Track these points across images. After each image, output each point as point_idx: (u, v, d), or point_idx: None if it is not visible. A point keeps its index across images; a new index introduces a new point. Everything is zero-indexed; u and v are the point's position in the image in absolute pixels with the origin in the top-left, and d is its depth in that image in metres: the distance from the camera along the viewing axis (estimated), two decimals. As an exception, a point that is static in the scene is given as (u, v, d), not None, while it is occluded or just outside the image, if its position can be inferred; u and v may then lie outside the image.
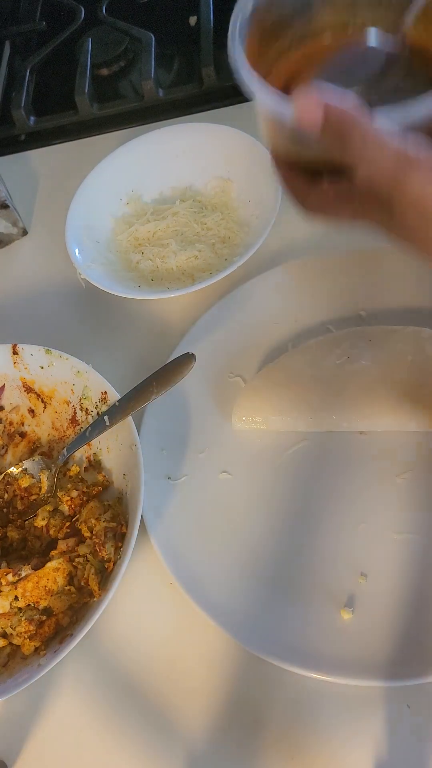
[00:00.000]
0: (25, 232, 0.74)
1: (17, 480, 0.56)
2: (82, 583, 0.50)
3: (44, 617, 0.49)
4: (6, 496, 0.56)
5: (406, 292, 0.58)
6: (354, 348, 0.54)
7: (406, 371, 0.53)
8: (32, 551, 0.53)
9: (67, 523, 0.53)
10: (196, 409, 0.58)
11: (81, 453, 0.57)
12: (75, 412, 0.57)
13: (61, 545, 0.51)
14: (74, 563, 0.50)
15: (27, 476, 0.56)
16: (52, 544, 0.52)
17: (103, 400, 0.55)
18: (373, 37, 0.39)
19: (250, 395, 0.55)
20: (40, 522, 0.53)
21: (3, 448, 0.60)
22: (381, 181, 0.34)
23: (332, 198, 0.39)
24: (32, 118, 0.82)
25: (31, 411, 0.60)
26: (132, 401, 0.53)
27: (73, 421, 0.58)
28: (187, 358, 0.54)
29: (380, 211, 0.36)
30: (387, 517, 0.50)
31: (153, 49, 0.81)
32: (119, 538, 0.50)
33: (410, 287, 0.58)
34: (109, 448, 0.55)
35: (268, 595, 0.49)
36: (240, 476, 0.54)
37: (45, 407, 0.59)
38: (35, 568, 0.50)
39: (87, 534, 0.51)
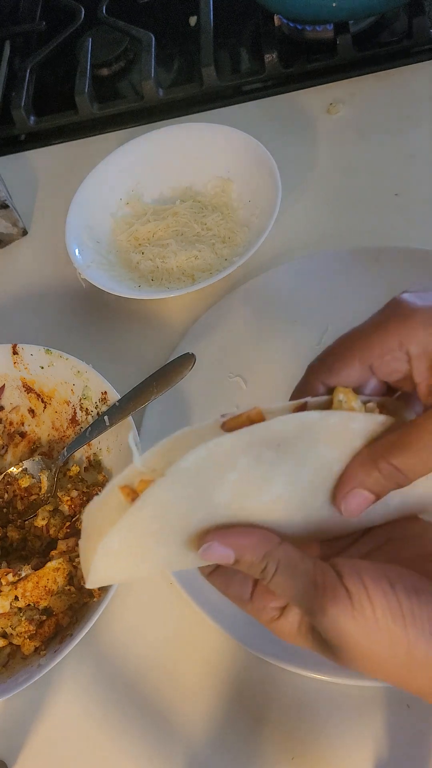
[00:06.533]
0: (24, 232, 0.74)
1: (17, 480, 0.56)
2: (82, 583, 0.49)
3: (44, 617, 0.49)
4: (6, 496, 0.56)
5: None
6: (258, 464, 0.31)
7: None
8: (32, 551, 0.53)
9: (68, 523, 0.53)
10: (196, 409, 0.58)
11: (81, 453, 0.57)
12: (75, 412, 0.57)
13: (61, 545, 0.51)
14: (74, 563, 0.50)
15: (27, 476, 0.56)
16: (52, 544, 0.52)
17: (103, 400, 0.55)
18: None
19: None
20: (40, 522, 0.53)
21: (3, 448, 0.60)
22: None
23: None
24: (32, 118, 0.82)
25: (31, 411, 0.60)
26: (132, 401, 0.53)
27: (73, 421, 0.58)
28: (187, 358, 0.54)
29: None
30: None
31: (153, 49, 0.81)
32: (119, 538, 0.50)
33: (415, 286, 0.58)
34: (109, 448, 0.55)
35: (268, 595, 0.48)
36: (240, 476, 0.54)
37: (45, 407, 0.59)
38: (35, 568, 0.50)
39: (87, 534, 0.51)
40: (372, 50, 0.76)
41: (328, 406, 0.34)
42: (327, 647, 0.32)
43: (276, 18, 0.80)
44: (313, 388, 0.34)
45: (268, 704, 0.46)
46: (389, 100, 0.73)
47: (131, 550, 0.32)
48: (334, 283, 0.60)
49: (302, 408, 0.33)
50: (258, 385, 0.58)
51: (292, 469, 0.32)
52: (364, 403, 0.34)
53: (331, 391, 0.34)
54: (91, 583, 0.32)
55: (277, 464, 0.32)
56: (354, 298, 0.59)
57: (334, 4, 0.70)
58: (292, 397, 0.35)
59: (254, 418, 0.32)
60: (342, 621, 0.30)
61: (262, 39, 0.78)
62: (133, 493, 0.31)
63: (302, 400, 0.33)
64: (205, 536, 0.32)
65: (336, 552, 0.36)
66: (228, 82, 0.79)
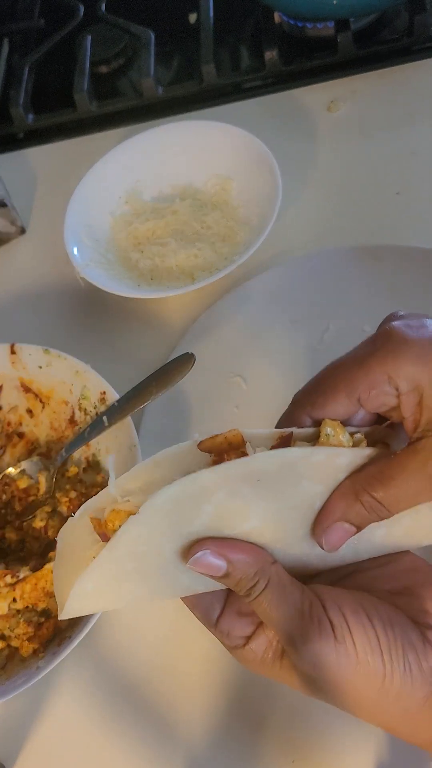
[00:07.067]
0: (23, 231, 0.74)
1: (15, 481, 0.55)
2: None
3: (43, 619, 0.49)
4: (4, 497, 0.55)
5: (413, 291, 0.57)
6: (234, 498, 0.31)
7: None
8: (31, 553, 0.53)
9: (66, 525, 0.53)
10: (196, 409, 0.57)
11: (79, 454, 0.56)
12: (73, 413, 0.57)
13: (60, 547, 0.51)
14: (73, 565, 0.50)
15: (25, 477, 0.55)
16: (51, 545, 0.52)
17: (102, 400, 0.55)
18: None
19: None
20: (38, 523, 0.53)
21: (1, 448, 0.59)
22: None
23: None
24: (31, 116, 0.82)
25: (30, 411, 0.59)
26: (131, 401, 0.52)
27: (72, 421, 0.57)
28: (187, 358, 0.54)
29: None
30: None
31: (152, 47, 0.80)
32: (118, 539, 0.50)
33: (416, 285, 0.58)
34: (108, 448, 0.55)
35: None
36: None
37: (43, 407, 0.59)
38: (34, 570, 0.49)
39: (86, 535, 0.51)
40: (373, 48, 0.76)
41: (314, 437, 0.33)
42: (294, 676, 0.32)
43: (276, 15, 0.79)
44: (299, 420, 0.34)
45: (269, 706, 0.46)
46: (390, 98, 0.72)
47: (105, 587, 0.31)
48: (334, 281, 0.60)
49: (287, 438, 0.32)
50: (258, 385, 0.58)
51: (270, 504, 0.32)
52: (351, 434, 0.33)
53: (317, 423, 0.33)
54: (65, 615, 0.31)
55: (253, 499, 0.31)
56: (355, 297, 0.59)
57: (334, 2, 0.70)
58: (277, 427, 0.34)
59: (232, 440, 0.31)
60: (323, 654, 0.30)
61: (263, 36, 0.78)
62: (102, 526, 0.30)
63: (288, 430, 0.32)
64: (197, 544, 0.31)
65: (306, 578, 0.35)
66: (228, 79, 0.79)
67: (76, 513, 0.31)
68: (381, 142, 0.70)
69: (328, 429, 0.32)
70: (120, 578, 0.31)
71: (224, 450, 0.31)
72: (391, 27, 0.78)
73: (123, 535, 0.29)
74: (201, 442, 0.31)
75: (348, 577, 0.35)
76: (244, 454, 0.31)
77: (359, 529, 0.33)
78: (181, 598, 0.34)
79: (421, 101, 0.72)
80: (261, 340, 0.59)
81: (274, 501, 0.32)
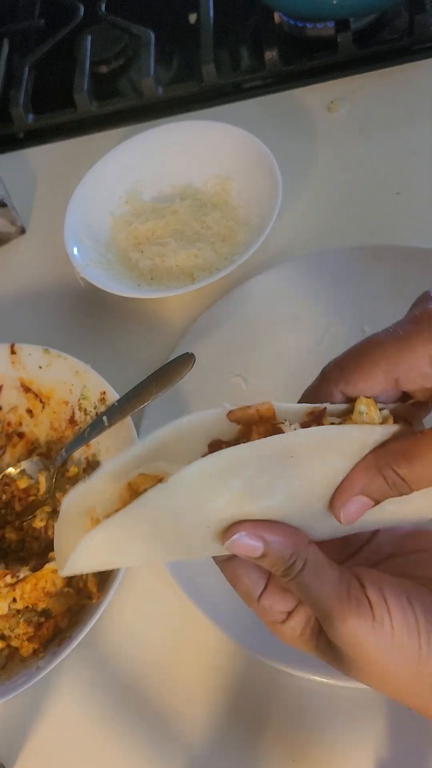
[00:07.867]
0: (23, 231, 0.74)
1: (15, 481, 0.55)
2: (81, 585, 0.49)
3: (43, 619, 0.49)
4: (4, 497, 0.55)
5: (413, 291, 0.57)
6: (263, 473, 0.31)
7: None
8: (30, 553, 0.53)
9: (66, 525, 0.53)
10: (196, 409, 0.57)
11: (80, 454, 0.56)
12: (73, 413, 0.57)
13: (60, 547, 0.51)
14: (73, 565, 0.50)
15: (25, 477, 0.55)
16: (51, 545, 0.52)
17: (102, 400, 0.55)
18: None
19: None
20: (38, 523, 0.53)
21: (1, 448, 0.59)
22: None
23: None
24: (31, 116, 0.82)
25: (30, 411, 0.59)
26: (131, 401, 0.52)
27: (72, 421, 0.57)
28: (187, 358, 0.54)
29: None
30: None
31: (152, 47, 0.80)
32: (118, 539, 0.50)
33: (416, 285, 0.57)
34: (108, 448, 0.55)
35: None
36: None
37: (43, 407, 0.59)
38: (34, 570, 0.49)
39: (86, 535, 0.51)
40: (373, 48, 0.76)
41: (344, 413, 0.33)
42: (331, 653, 0.33)
43: (276, 15, 0.79)
44: (330, 394, 0.33)
45: (269, 706, 0.46)
46: (390, 98, 0.72)
47: (115, 543, 0.31)
48: (334, 281, 0.60)
49: (320, 413, 0.32)
50: (258, 385, 0.58)
51: (295, 480, 0.32)
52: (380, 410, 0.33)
53: (348, 398, 0.33)
54: (67, 571, 0.31)
55: (280, 475, 0.31)
56: (355, 297, 0.59)
57: (334, 2, 0.70)
58: (302, 400, 0.34)
59: (264, 413, 0.31)
60: (360, 632, 0.30)
61: (263, 36, 0.78)
62: (134, 490, 0.30)
63: (321, 406, 0.32)
64: (234, 527, 0.31)
65: (343, 558, 0.36)
66: (228, 79, 0.79)
67: (93, 475, 0.31)
68: (381, 142, 0.70)
69: (362, 407, 0.32)
70: (132, 537, 0.31)
71: (254, 422, 0.31)
72: (391, 27, 0.78)
73: (147, 501, 0.29)
74: (231, 411, 0.31)
75: (387, 561, 0.35)
76: (275, 427, 0.31)
77: (377, 503, 0.33)
78: (223, 573, 0.34)
79: (421, 101, 0.72)
80: (261, 340, 0.59)
81: (300, 477, 0.32)
